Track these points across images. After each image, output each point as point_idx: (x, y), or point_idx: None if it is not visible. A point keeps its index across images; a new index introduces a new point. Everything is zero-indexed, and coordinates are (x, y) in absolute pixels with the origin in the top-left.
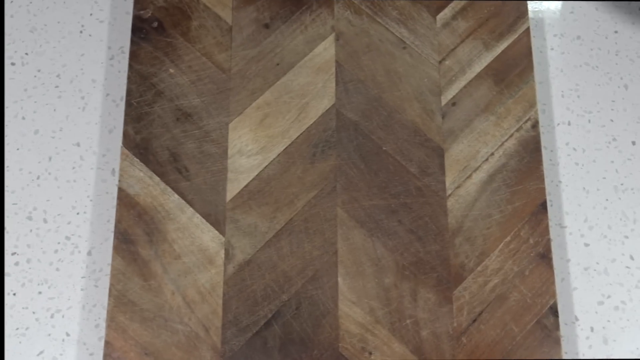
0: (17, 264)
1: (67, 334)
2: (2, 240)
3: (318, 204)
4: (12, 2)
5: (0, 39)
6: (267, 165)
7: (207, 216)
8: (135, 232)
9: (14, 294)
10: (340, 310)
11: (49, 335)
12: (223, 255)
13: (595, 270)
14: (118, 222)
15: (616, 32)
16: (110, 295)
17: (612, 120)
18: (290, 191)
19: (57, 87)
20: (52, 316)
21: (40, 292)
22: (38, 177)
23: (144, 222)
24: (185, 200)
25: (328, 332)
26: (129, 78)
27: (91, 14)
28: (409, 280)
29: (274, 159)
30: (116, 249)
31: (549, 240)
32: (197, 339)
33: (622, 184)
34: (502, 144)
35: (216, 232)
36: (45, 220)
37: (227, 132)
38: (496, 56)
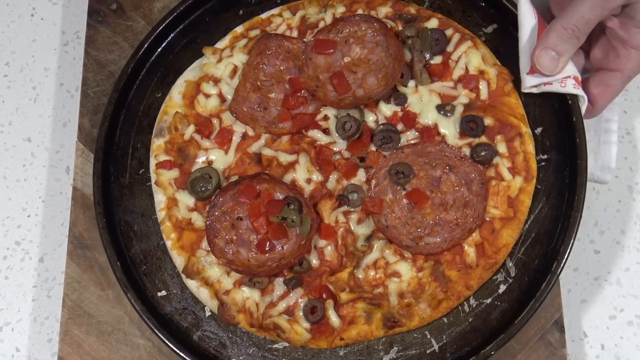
0: None
1: (17, 349)
2: None
3: None
4: None
5: None
6: None
7: None
8: (91, 237)
9: None
10: None
11: None
12: None
13: (606, 280)
14: (73, 225)
15: None
16: (64, 306)
17: (625, 112)
18: None
19: (5, 76)
20: (0, 329)
21: None
22: None
23: None
24: None
25: None
26: (84, 66)
27: None
28: None
29: None
30: (70, 255)
31: None
32: (159, 355)
33: (637, 184)
34: None
35: None
36: None
37: None
38: None
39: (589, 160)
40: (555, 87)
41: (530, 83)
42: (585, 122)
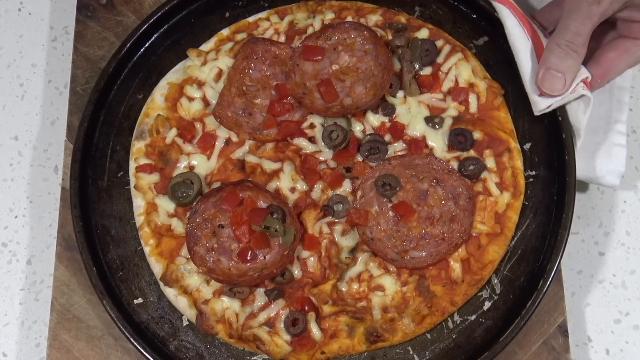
0: None
1: (4, 354)
2: None
3: None
4: None
5: None
6: None
7: None
8: None
9: None
10: None
11: None
12: None
13: (611, 283)
14: (61, 226)
15: None
16: (52, 310)
17: (631, 110)
18: None
19: None
20: None
21: None
22: None
23: None
24: None
25: None
26: (73, 62)
27: None
28: None
29: None
30: (59, 257)
31: None
32: None
33: None
34: None
35: None
36: None
37: None
38: None
39: (599, 163)
40: (567, 98)
41: (543, 105)
42: (595, 123)
